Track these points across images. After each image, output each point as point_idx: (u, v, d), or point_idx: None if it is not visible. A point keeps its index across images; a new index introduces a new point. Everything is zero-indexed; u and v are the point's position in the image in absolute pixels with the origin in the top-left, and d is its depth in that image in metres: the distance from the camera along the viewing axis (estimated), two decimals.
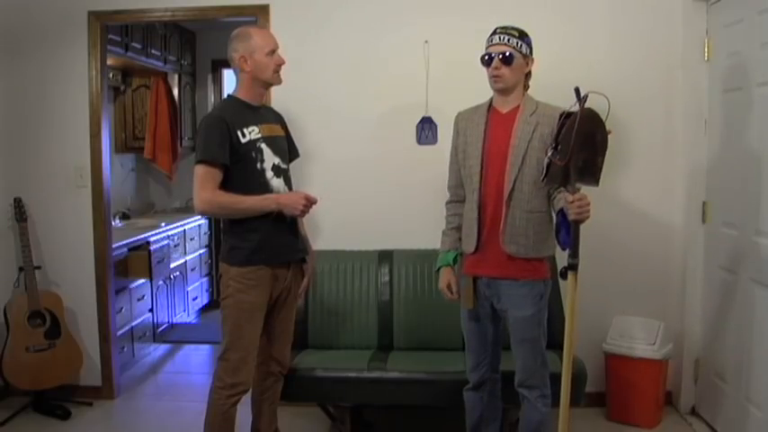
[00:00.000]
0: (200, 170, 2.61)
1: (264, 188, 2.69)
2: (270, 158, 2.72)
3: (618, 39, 3.51)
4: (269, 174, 2.71)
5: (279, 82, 2.79)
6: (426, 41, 3.54)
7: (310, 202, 2.66)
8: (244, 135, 2.66)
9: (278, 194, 2.69)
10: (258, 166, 2.69)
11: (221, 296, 2.74)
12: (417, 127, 3.58)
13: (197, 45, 6.04)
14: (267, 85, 2.81)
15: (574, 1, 3.52)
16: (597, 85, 3.52)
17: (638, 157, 3.54)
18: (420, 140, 3.59)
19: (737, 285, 3.08)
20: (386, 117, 3.61)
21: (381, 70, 3.60)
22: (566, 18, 3.52)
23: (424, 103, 3.56)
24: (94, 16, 3.70)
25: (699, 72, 3.39)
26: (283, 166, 2.79)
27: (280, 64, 2.74)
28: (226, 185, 2.64)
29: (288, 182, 2.81)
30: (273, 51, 2.72)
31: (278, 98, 3.57)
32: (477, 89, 3.56)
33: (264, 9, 3.59)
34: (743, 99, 3.03)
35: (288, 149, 2.89)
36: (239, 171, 2.65)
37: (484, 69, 3.53)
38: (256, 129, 2.70)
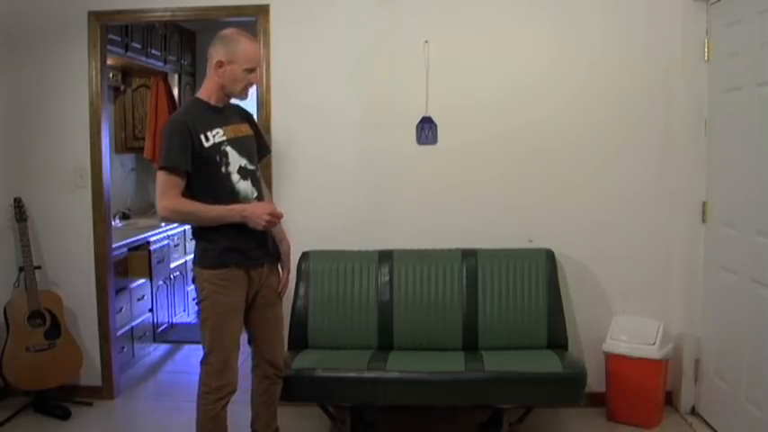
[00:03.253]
0: (161, 177, 2.56)
1: (231, 192, 2.64)
2: (235, 161, 2.66)
3: (618, 39, 3.50)
4: (235, 177, 2.65)
5: (242, 97, 2.70)
6: (426, 41, 3.54)
7: (274, 217, 2.61)
8: (207, 139, 2.60)
9: (243, 206, 2.62)
10: (223, 170, 2.62)
11: (198, 299, 2.70)
12: (417, 127, 3.58)
13: (197, 45, 6.03)
14: (231, 96, 2.72)
15: (573, 1, 3.52)
16: (597, 85, 3.57)
17: (638, 157, 3.53)
18: (420, 140, 3.59)
19: (737, 285, 3.08)
20: (386, 117, 3.61)
21: (381, 70, 3.60)
22: (565, 18, 3.51)
23: (424, 103, 3.56)
24: (94, 16, 3.69)
25: (699, 72, 3.38)
26: (250, 167, 2.72)
27: (252, 83, 2.67)
28: (190, 190, 2.60)
29: (256, 183, 2.74)
30: (252, 70, 2.64)
31: (277, 98, 3.58)
32: (477, 89, 3.59)
33: (264, 9, 3.59)
34: (743, 99, 3.03)
35: (258, 147, 2.83)
36: (203, 176, 2.60)
37: (484, 68, 3.56)
38: (221, 131, 2.64)
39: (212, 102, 2.68)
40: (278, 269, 2.87)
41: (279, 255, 2.86)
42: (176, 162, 2.55)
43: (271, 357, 2.87)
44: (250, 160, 2.73)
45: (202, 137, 2.59)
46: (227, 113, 2.72)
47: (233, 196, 2.64)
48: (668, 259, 3.57)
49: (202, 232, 2.66)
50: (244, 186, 2.67)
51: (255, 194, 2.71)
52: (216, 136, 2.62)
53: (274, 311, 2.87)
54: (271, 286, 2.81)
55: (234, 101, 2.77)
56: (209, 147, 2.60)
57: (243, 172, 2.68)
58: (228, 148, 2.64)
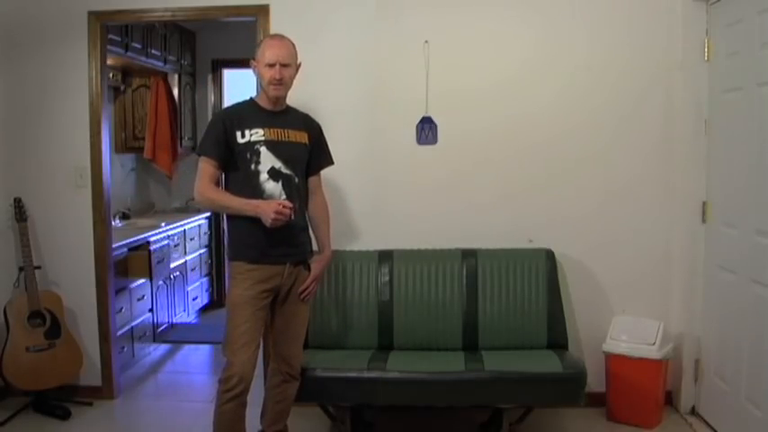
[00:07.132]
0: (199, 163, 2.78)
1: (256, 190, 2.73)
2: (268, 161, 2.75)
3: (617, 39, 3.50)
4: (263, 176, 2.74)
5: (271, 94, 2.78)
6: (426, 41, 3.54)
7: (279, 214, 2.63)
8: (243, 136, 2.74)
9: (259, 202, 2.70)
10: (252, 167, 2.74)
11: None
12: (417, 127, 3.58)
13: (197, 45, 6.03)
14: (268, 95, 2.81)
15: (573, 1, 3.52)
16: (597, 85, 3.56)
17: (638, 157, 3.54)
18: (420, 140, 3.59)
19: (737, 285, 3.08)
20: (386, 117, 3.61)
21: (381, 70, 3.60)
22: (565, 18, 3.51)
23: (424, 103, 3.56)
24: (94, 16, 3.69)
25: (699, 72, 3.38)
26: (286, 171, 2.79)
27: (270, 77, 2.74)
28: (226, 183, 2.81)
29: (288, 187, 2.79)
30: (270, 65, 2.73)
31: None
32: (478, 88, 3.59)
33: (264, 9, 3.59)
34: (743, 99, 3.03)
35: (314, 158, 2.93)
36: (235, 170, 2.76)
37: (483, 68, 3.56)
38: (261, 131, 2.75)
39: (262, 103, 2.83)
40: (307, 270, 2.91)
41: (306, 257, 2.92)
42: (205, 150, 2.77)
43: (283, 352, 2.91)
44: (287, 164, 2.80)
45: (238, 133, 2.74)
46: (279, 117, 2.84)
47: (258, 194, 2.74)
48: (668, 259, 3.57)
49: (228, 223, 2.86)
50: (271, 186, 2.76)
51: (284, 197, 2.77)
52: (254, 135, 2.75)
53: (294, 308, 2.90)
54: (294, 285, 2.87)
55: (304, 110, 2.98)
56: (243, 143, 2.74)
57: (274, 173, 2.76)
58: (263, 149, 2.75)
